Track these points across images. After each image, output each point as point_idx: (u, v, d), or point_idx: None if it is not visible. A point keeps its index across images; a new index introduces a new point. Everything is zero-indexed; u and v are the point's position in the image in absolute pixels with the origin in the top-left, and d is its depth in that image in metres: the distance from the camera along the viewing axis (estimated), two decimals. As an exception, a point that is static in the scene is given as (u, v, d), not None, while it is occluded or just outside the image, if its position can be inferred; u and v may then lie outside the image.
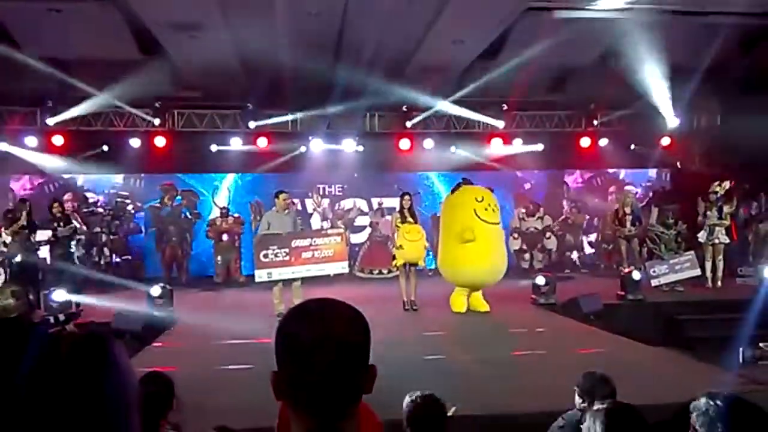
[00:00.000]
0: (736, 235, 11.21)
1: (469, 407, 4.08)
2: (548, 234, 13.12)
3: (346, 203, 13.64)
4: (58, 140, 11.77)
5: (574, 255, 13.77)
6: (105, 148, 12.26)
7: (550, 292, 9.08)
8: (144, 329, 7.45)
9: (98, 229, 12.09)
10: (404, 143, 12.60)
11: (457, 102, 11.69)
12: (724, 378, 5.30)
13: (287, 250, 8.43)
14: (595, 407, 2.05)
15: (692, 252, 10.07)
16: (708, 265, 10.27)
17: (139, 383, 1.18)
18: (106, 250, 12.15)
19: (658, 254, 10.16)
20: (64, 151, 11.98)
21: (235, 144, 12.50)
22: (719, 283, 10.30)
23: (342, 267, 8.92)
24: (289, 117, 12.15)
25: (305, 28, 8.83)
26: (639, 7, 8.38)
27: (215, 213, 12.89)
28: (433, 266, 10.88)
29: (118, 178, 13.21)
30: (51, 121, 11.45)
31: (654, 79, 10.44)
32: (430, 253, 10.80)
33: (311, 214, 13.44)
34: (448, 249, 8.77)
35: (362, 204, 13.64)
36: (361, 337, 1.14)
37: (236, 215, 12.73)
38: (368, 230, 13.36)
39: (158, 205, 12.81)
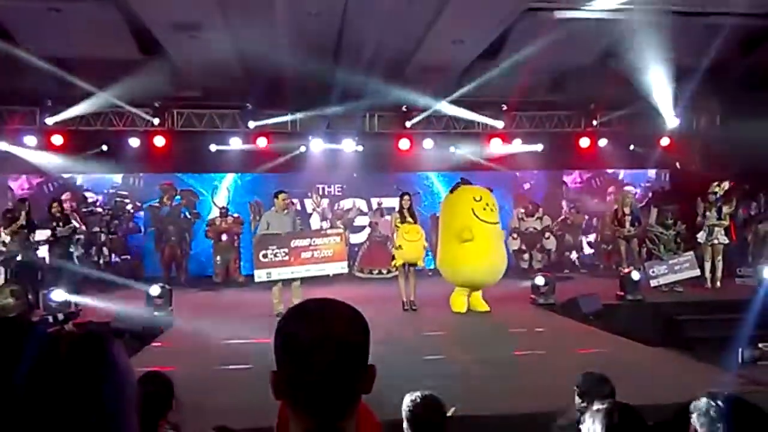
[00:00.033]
0: (736, 235, 11.24)
1: (469, 407, 4.07)
2: (547, 234, 13.12)
3: (346, 203, 13.65)
4: (57, 140, 11.78)
5: (574, 255, 13.78)
6: (104, 147, 12.28)
7: (550, 292, 9.08)
8: (143, 329, 7.44)
9: (97, 229, 12.10)
10: (404, 143, 12.61)
11: (457, 102, 11.67)
12: (723, 378, 5.29)
13: (286, 250, 8.44)
14: (595, 407, 2.05)
15: (691, 252, 10.08)
16: (707, 266, 10.27)
17: (138, 383, 1.18)
18: (105, 250, 12.17)
19: (658, 254, 10.18)
20: (63, 150, 11.97)
21: (235, 144, 12.51)
22: (718, 283, 10.30)
23: (341, 267, 8.92)
24: (289, 117, 12.13)
25: (305, 28, 8.82)
26: (639, 7, 8.37)
27: (214, 213, 12.90)
28: (432, 266, 10.87)
29: (118, 178, 13.22)
30: (50, 121, 11.44)
31: (654, 80, 10.43)
32: (430, 253, 10.79)
33: (311, 214, 13.44)
34: (447, 249, 8.77)
35: (362, 204, 13.64)
36: (360, 337, 1.14)
37: (235, 215, 12.73)
38: (367, 230, 13.37)
39: (157, 204, 12.82)
